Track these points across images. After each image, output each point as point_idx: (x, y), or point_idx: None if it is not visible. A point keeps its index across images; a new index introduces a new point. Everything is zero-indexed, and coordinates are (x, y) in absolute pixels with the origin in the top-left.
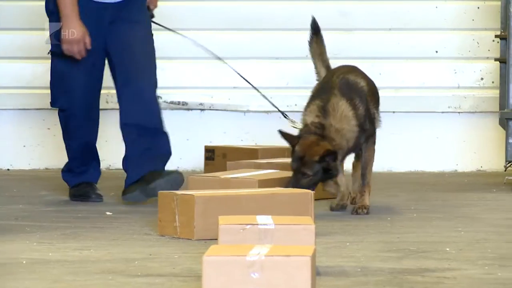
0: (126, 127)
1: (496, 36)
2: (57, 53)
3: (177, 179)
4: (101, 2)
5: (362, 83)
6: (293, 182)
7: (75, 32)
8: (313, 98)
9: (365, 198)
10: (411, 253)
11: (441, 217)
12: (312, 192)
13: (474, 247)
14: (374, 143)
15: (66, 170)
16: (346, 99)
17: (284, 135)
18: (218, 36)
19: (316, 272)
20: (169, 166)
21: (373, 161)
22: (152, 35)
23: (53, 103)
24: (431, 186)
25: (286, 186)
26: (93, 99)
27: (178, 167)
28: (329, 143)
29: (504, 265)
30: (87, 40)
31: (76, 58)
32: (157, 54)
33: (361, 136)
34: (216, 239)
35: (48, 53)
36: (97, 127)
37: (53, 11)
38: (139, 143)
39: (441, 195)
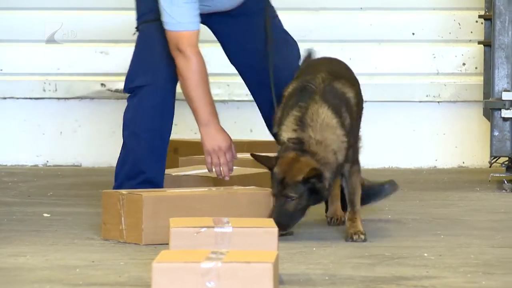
0: None
1: (480, 16)
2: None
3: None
4: None
5: (350, 93)
6: (277, 209)
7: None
8: (288, 107)
9: (358, 224)
10: (385, 259)
11: (419, 219)
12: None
13: (455, 253)
14: (359, 167)
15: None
16: (328, 106)
17: (258, 158)
18: None
19: (279, 281)
20: (115, 161)
21: (360, 186)
22: None
23: (128, 84)
24: (408, 184)
25: (270, 216)
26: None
27: None
28: (312, 158)
29: (488, 273)
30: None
31: None
32: (102, 35)
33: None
34: (167, 244)
35: (134, 33)
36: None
37: None
38: None
39: (418, 194)
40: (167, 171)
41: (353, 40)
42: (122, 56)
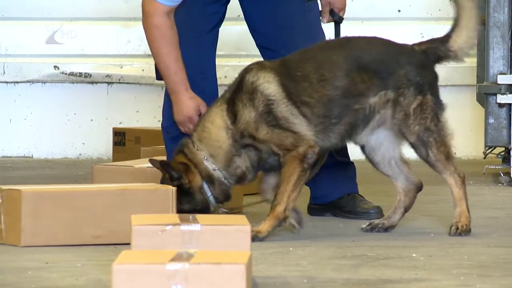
0: None
1: None
2: None
3: None
4: None
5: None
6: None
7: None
8: None
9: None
10: (369, 260)
11: (406, 215)
12: (174, 189)
13: (447, 253)
14: (299, 157)
15: None
16: (222, 101)
17: (154, 162)
18: None
19: (253, 284)
20: (70, 153)
21: (293, 178)
22: None
23: (158, 74)
24: None
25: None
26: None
27: (80, 154)
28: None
29: (483, 275)
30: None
31: None
32: (54, 13)
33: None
34: (49, 245)
35: None
36: None
37: None
38: None
39: None
40: (128, 162)
41: None
42: (77, 36)
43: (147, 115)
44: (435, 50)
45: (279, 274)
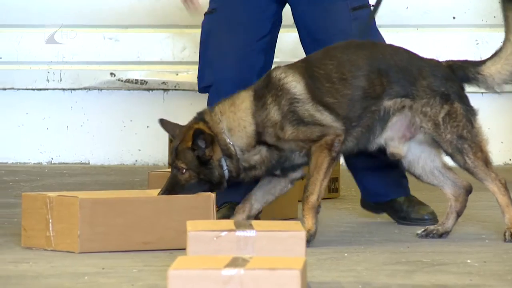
0: None
1: None
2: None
3: None
4: None
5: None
6: (168, 180)
7: None
8: None
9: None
10: (424, 265)
11: (461, 221)
12: (214, 195)
13: (502, 259)
14: (327, 146)
15: None
16: (252, 90)
17: (165, 124)
18: None
19: None
20: (126, 159)
21: (324, 167)
22: None
23: (200, 84)
24: None
25: (160, 193)
26: (248, 71)
27: (136, 161)
28: (206, 125)
29: None
30: None
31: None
32: (110, 21)
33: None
34: (104, 252)
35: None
36: None
37: None
38: None
39: None
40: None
41: (388, 25)
42: (133, 43)
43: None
44: (464, 69)
45: (333, 279)
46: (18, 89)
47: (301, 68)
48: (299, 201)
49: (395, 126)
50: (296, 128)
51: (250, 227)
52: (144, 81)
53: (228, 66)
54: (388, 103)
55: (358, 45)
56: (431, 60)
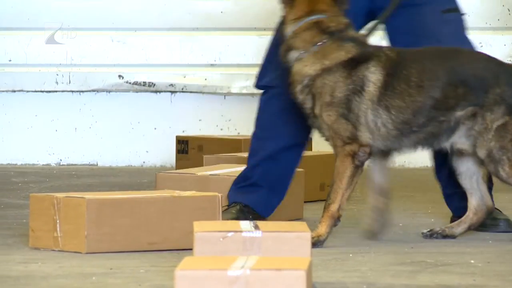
0: None
1: None
2: None
3: None
4: None
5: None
6: None
7: None
8: None
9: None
10: (428, 266)
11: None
12: (221, 195)
13: (505, 259)
14: (351, 154)
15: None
16: None
17: None
18: (192, 2)
19: None
20: (134, 161)
21: (346, 175)
22: None
23: (258, 82)
24: None
25: None
26: None
27: (143, 162)
28: None
29: None
30: None
31: None
32: (118, 23)
33: None
34: (111, 252)
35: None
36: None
37: None
38: None
39: None
40: (191, 170)
41: None
42: (141, 46)
43: (209, 124)
44: None
45: (338, 280)
46: (28, 91)
47: (391, 60)
48: (304, 202)
49: (462, 130)
50: (336, 116)
51: (256, 227)
52: (152, 83)
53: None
54: (459, 113)
55: (443, 53)
56: (511, 66)
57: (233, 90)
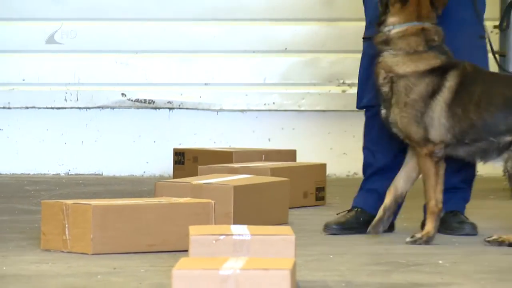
0: None
1: (495, 26)
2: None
3: None
4: None
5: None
6: None
7: None
8: None
9: (428, 224)
10: (400, 266)
11: None
12: (214, 202)
13: (470, 260)
14: (428, 153)
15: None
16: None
17: None
18: (188, 27)
19: (297, 287)
20: (135, 170)
21: (431, 173)
22: None
23: (358, 103)
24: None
25: None
26: None
27: (144, 172)
28: None
29: (502, 279)
30: None
31: None
32: (123, 46)
33: None
34: (115, 253)
35: (363, 38)
36: None
37: None
38: None
39: None
40: (187, 179)
41: None
42: (142, 67)
43: (204, 137)
44: None
45: (320, 278)
46: (39, 107)
47: (468, 74)
48: (289, 208)
49: (509, 153)
50: (408, 117)
51: (246, 231)
52: (152, 100)
53: None
54: (508, 138)
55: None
56: None
57: (225, 107)
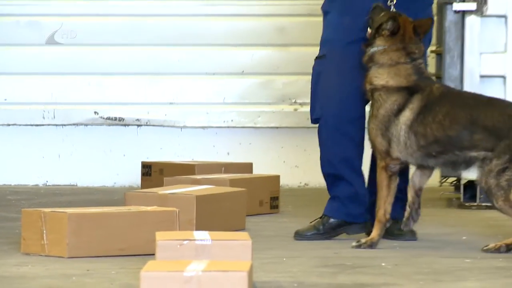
0: None
1: (432, 51)
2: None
3: None
4: None
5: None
6: None
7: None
8: None
9: (374, 231)
10: (347, 268)
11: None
12: (178, 210)
13: (410, 262)
14: (384, 167)
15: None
16: None
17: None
18: (154, 52)
19: (253, 287)
20: (107, 182)
21: (384, 185)
22: None
23: (311, 115)
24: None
25: None
26: (350, 109)
27: (115, 183)
28: None
29: (439, 280)
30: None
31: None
32: (95, 69)
33: None
34: (88, 257)
35: (315, 58)
36: (361, 147)
37: (326, 11)
38: None
39: None
40: (154, 189)
41: None
42: (113, 87)
43: (169, 151)
44: None
45: (274, 279)
46: (20, 125)
47: (435, 94)
48: (246, 215)
49: (475, 166)
50: (376, 131)
51: (207, 237)
52: (121, 118)
53: (333, 105)
54: (473, 154)
55: (476, 101)
56: None
57: (188, 124)
